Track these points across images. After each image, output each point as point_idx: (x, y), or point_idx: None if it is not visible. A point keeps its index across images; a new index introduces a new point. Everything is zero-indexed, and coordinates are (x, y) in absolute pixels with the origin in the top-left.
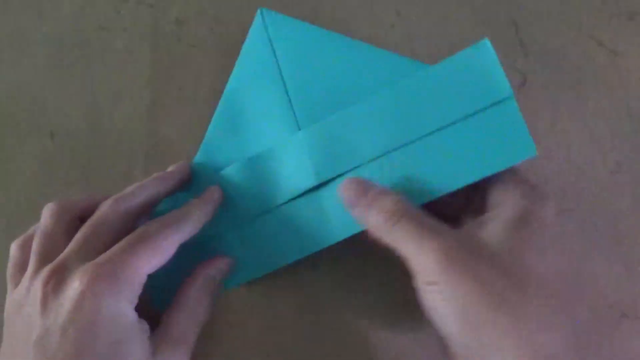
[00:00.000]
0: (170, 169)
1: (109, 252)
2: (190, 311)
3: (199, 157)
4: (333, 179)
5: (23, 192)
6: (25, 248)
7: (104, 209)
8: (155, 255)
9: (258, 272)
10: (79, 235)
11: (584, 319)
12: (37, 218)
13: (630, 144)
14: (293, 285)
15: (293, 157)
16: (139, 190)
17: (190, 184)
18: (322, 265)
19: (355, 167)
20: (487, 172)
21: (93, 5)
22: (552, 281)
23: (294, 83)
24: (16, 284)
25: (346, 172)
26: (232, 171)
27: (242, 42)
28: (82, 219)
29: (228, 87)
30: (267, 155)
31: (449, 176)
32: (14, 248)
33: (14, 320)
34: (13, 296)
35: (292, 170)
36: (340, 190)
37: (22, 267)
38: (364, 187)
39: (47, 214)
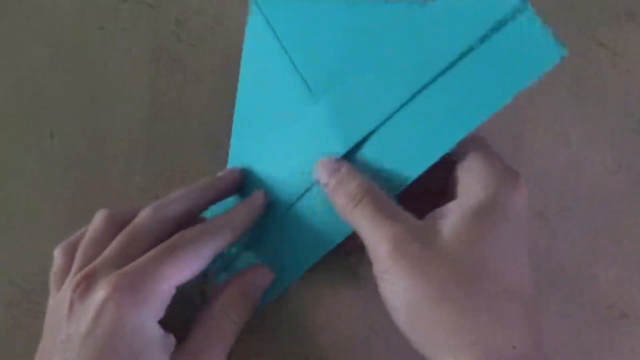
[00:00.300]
0: (219, 174)
1: (137, 261)
2: (218, 322)
3: (230, 164)
4: (360, 143)
5: (23, 192)
6: (68, 253)
7: (143, 215)
8: (187, 266)
9: (297, 272)
10: (114, 243)
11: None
12: (37, 218)
13: (630, 144)
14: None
15: (316, 131)
16: (182, 197)
17: (242, 188)
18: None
19: (381, 124)
20: (518, 88)
21: (93, 5)
22: (508, 275)
23: (301, 58)
24: (58, 289)
25: (372, 132)
26: (260, 167)
27: (242, 42)
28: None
29: (240, 87)
30: (290, 139)
31: (479, 105)
32: (57, 253)
33: (48, 324)
34: (52, 301)
35: (319, 145)
36: (314, 172)
37: (65, 272)
38: (333, 168)
39: (98, 219)
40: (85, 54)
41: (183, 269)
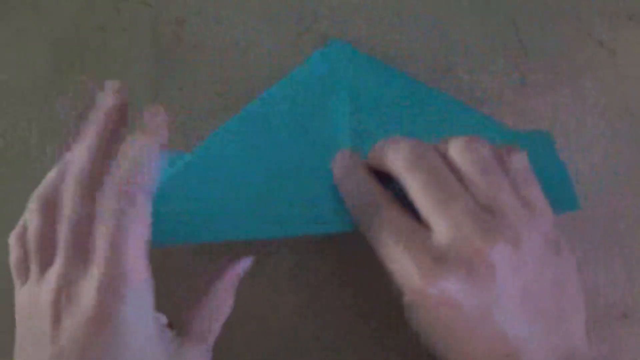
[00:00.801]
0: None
1: (101, 254)
2: (213, 310)
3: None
4: None
5: (23, 192)
6: (21, 241)
7: (69, 205)
8: (145, 228)
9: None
10: (62, 237)
11: None
12: None
13: (630, 144)
14: (295, 285)
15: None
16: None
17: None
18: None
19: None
20: None
21: (93, 5)
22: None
23: (357, 116)
24: (24, 281)
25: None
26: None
27: (242, 42)
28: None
29: (276, 89)
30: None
31: None
32: (12, 242)
33: (23, 324)
34: (21, 296)
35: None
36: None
37: (24, 261)
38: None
39: (32, 209)
40: (85, 54)
41: (143, 231)
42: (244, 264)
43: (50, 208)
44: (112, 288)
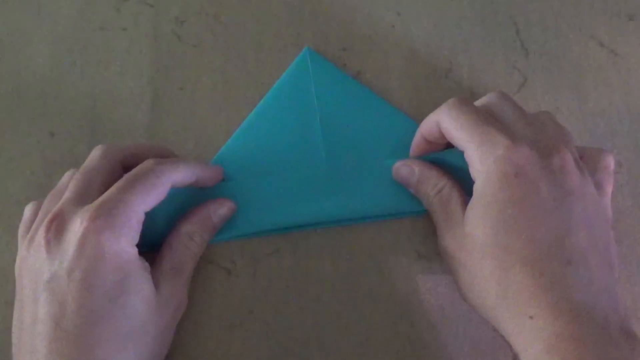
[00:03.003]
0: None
1: (105, 194)
2: (186, 245)
3: (218, 157)
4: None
5: (23, 191)
6: (37, 208)
7: (92, 157)
8: (149, 193)
9: (250, 229)
10: (71, 185)
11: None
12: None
13: (630, 144)
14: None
15: (319, 187)
16: (132, 148)
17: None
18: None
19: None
20: None
21: (93, 5)
22: (520, 245)
23: (328, 128)
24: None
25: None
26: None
27: (242, 42)
28: (125, 165)
29: (262, 105)
30: (292, 178)
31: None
32: (27, 209)
33: (23, 273)
34: (22, 251)
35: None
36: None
37: (32, 223)
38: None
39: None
40: (85, 54)
41: (148, 195)
42: (218, 208)
43: (114, 156)
44: (100, 221)
